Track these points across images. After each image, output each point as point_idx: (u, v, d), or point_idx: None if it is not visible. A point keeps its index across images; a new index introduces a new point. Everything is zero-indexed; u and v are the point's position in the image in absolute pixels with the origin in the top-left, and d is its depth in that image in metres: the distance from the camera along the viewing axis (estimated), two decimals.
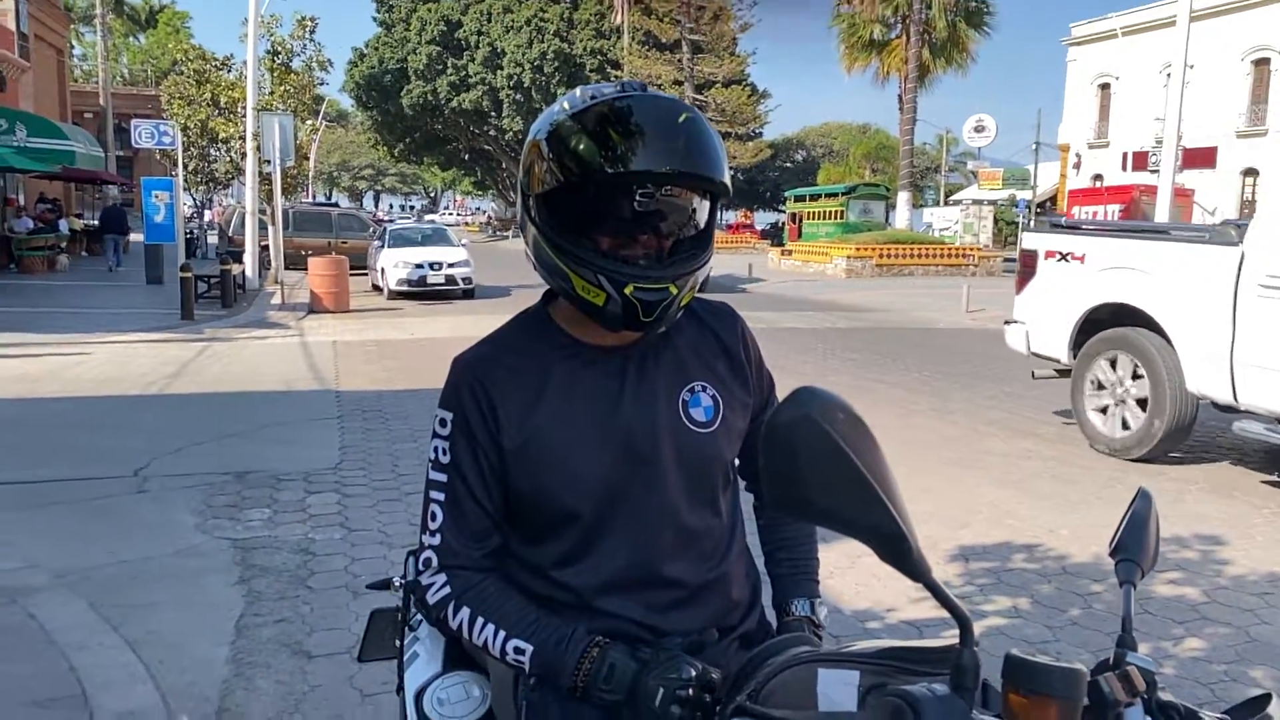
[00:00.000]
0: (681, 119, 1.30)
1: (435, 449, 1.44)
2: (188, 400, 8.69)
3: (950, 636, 0.99)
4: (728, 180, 1.34)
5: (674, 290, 1.33)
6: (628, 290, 1.30)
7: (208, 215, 38.88)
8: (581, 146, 1.28)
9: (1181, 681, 3.45)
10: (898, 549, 0.87)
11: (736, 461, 1.57)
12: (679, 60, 39.58)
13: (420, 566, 1.45)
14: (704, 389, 1.47)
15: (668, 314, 1.35)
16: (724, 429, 1.47)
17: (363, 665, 2.86)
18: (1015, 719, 0.86)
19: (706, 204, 1.37)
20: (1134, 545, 1.24)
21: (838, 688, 1.11)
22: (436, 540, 1.42)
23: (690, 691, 1.22)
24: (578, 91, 1.36)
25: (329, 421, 7.71)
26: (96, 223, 30.94)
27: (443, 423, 1.43)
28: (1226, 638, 3.88)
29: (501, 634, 1.36)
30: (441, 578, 1.41)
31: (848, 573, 4.39)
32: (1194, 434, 6.67)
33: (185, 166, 22.74)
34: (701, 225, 1.38)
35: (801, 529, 1.64)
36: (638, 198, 1.29)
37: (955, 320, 15.76)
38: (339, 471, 6.19)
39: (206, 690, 3.34)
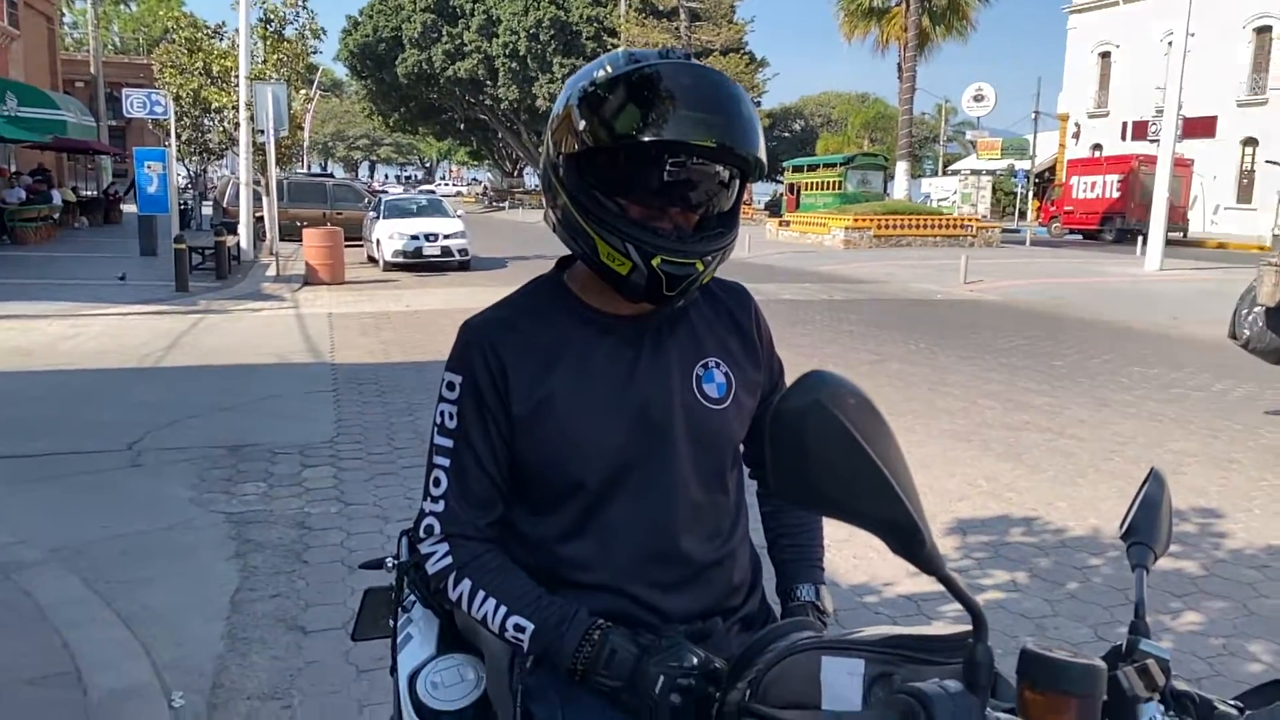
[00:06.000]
0: (724, 91, 1.26)
1: (441, 413, 1.39)
2: (182, 373, 8.64)
3: (955, 622, 0.95)
4: (763, 157, 1.30)
5: (700, 267, 1.30)
6: (655, 262, 1.27)
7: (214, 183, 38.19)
8: (619, 110, 1.24)
9: (1180, 656, 3.44)
10: (910, 541, 0.82)
11: (742, 446, 1.54)
12: (676, 28, 39.16)
13: (421, 534, 1.40)
14: (717, 365, 1.44)
15: (690, 289, 1.32)
16: (735, 407, 1.44)
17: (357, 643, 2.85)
18: (1031, 717, 0.82)
19: (737, 181, 1.33)
20: (1146, 528, 1.20)
21: (841, 676, 1.07)
22: (440, 507, 1.38)
23: (692, 680, 1.19)
24: (619, 53, 1.31)
25: (325, 395, 7.67)
26: (91, 193, 30.90)
27: (450, 386, 1.38)
28: (1224, 612, 3.87)
29: (503, 609, 1.32)
30: (444, 546, 1.37)
31: (844, 546, 4.37)
32: (1198, 403, 6.53)
33: (178, 137, 22.57)
34: (731, 202, 1.35)
35: (806, 515, 1.61)
36: (669, 166, 1.25)
37: (953, 291, 15.70)
38: (335, 445, 6.16)
39: (201, 666, 3.32)
